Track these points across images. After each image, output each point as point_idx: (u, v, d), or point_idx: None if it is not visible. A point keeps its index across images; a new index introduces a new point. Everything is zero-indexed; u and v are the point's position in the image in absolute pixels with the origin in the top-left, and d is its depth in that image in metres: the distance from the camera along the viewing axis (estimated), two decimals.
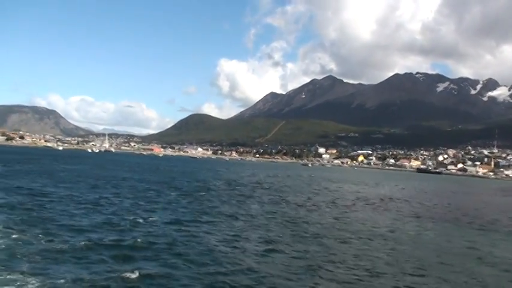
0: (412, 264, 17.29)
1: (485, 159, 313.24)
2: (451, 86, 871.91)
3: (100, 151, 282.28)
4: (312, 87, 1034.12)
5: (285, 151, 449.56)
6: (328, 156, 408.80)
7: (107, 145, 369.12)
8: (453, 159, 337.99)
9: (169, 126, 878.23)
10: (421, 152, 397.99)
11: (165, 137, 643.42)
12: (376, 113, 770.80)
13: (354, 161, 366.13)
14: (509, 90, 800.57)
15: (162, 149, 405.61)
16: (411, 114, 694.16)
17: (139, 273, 13.33)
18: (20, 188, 34.86)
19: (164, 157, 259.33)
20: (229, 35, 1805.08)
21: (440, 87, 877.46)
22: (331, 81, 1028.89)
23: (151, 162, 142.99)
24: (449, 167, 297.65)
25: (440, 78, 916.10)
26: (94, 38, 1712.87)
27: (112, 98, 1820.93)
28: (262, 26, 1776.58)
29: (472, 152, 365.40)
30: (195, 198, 36.52)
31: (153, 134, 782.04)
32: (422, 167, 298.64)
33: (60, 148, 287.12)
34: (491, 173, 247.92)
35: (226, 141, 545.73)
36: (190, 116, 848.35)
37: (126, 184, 46.59)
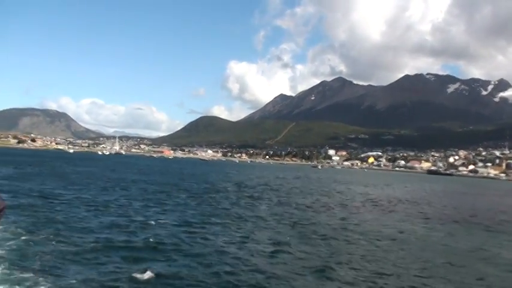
0: (419, 265, 17.28)
1: (497, 161, 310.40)
2: (462, 86, 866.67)
3: (110, 154, 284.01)
4: (321, 88, 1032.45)
5: (294, 153, 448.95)
6: (338, 158, 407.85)
7: (117, 148, 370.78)
8: (464, 161, 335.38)
9: (179, 128, 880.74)
10: (432, 153, 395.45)
11: (175, 140, 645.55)
12: (386, 114, 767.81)
13: (364, 163, 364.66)
14: None
15: (172, 152, 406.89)
16: (422, 116, 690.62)
17: (150, 274, 13.45)
18: (31, 190, 35.22)
19: (174, 159, 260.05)
20: (238, 37, 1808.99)
21: (451, 88, 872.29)
22: (341, 83, 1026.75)
23: (161, 164, 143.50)
24: (460, 168, 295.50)
25: (451, 79, 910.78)
26: (104, 41, 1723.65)
27: (122, 100, 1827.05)
28: (272, 28, 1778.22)
29: (483, 153, 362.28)
30: (204, 200, 36.71)
31: (163, 137, 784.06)
32: (432, 168, 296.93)
33: (71, 151, 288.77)
34: (503, 174, 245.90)
35: (236, 143, 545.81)
36: (200, 118, 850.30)
37: (135, 186, 46.89)
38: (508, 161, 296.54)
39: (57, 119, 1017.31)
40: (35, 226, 19.57)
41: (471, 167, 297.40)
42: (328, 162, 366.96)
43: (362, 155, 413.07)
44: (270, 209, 33.65)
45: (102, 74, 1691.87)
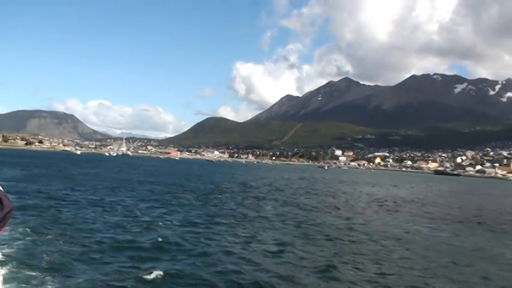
0: (423, 264, 17.27)
1: (505, 161, 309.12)
2: (469, 86, 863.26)
3: (117, 155, 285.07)
4: (328, 89, 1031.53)
5: (301, 153, 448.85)
6: (344, 158, 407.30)
7: (124, 149, 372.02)
8: (471, 161, 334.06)
9: (185, 129, 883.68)
10: (439, 153, 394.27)
11: (181, 141, 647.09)
12: (393, 114, 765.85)
13: (371, 163, 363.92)
14: None
15: (178, 153, 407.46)
16: (429, 116, 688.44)
17: (156, 274, 13.59)
18: (39, 191, 35.49)
19: (181, 160, 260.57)
20: (245, 38, 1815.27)
21: (458, 88, 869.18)
22: (348, 83, 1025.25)
23: (167, 165, 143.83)
24: (467, 168, 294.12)
25: (458, 79, 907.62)
26: (111, 43, 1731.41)
27: (129, 102, 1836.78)
28: (278, 29, 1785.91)
29: (491, 153, 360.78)
30: (209, 200, 36.87)
31: (169, 138, 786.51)
32: (440, 169, 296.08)
33: (78, 152, 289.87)
34: (511, 175, 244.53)
35: (242, 144, 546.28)
36: (207, 119, 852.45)
37: (142, 187, 47.13)
38: None
39: (64, 120, 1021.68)
40: (42, 226, 19.79)
41: (478, 167, 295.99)
42: (335, 163, 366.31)
43: (369, 156, 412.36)
44: (274, 209, 33.78)
45: (108, 75, 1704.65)
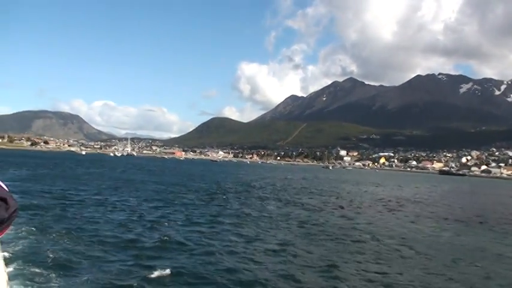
0: (426, 264, 17.27)
1: (510, 161, 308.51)
2: (475, 86, 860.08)
3: (122, 155, 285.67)
4: (333, 89, 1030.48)
5: (305, 154, 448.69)
6: (349, 158, 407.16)
7: (129, 149, 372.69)
8: (477, 161, 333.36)
9: (190, 130, 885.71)
10: (444, 153, 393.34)
11: (186, 141, 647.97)
12: (397, 114, 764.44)
13: (376, 164, 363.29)
14: None
15: (183, 153, 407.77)
16: (434, 116, 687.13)
17: (159, 273, 13.70)
18: (43, 191, 35.74)
19: (185, 161, 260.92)
20: (249, 38, 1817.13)
21: (464, 88, 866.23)
22: (352, 83, 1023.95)
23: (172, 165, 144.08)
24: (472, 168, 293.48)
25: (463, 79, 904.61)
26: (116, 44, 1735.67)
27: (134, 102, 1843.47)
28: (283, 29, 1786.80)
29: (496, 153, 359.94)
30: (212, 200, 37.01)
31: (174, 138, 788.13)
32: (445, 169, 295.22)
33: (83, 152, 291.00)
34: None
35: (247, 144, 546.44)
36: (211, 119, 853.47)
37: (146, 187, 47.28)
38: None
39: (69, 121, 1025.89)
40: (47, 226, 19.97)
41: (484, 167, 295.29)
42: (340, 163, 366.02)
43: (373, 156, 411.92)
44: (277, 208, 33.88)
45: (113, 76, 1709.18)
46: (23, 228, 18.20)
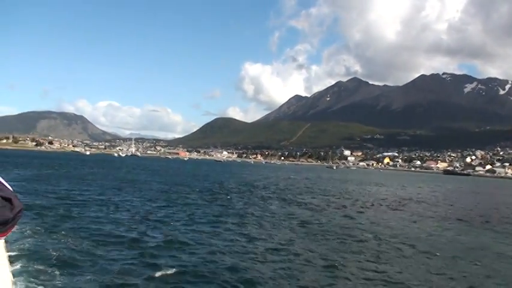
0: (428, 263, 17.32)
1: None
2: (479, 86, 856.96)
3: (126, 155, 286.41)
4: (337, 89, 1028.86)
5: (309, 154, 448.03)
6: (353, 158, 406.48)
7: (133, 149, 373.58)
8: (481, 161, 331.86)
9: (194, 130, 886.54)
10: (449, 153, 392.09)
11: (190, 141, 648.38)
12: (402, 114, 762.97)
13: (380, 164, 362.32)
14: None
15: (187, 153, 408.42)
16: (438, 116, 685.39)
17: (162, 272, 13.84)
18: (48, 191, 35.98)
19: (189, 161, 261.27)
20: (253, 39, 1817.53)
21: (468, 87, 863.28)
22: (356, 83, 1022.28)
23: (176, 166, 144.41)
24: (477, 168, 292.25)
25: (467, 78, 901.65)
26: (120, 44, 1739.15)
27: (138, 102, 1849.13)
28: (286, 29, 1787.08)
29: (501, 153, 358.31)
30: (215, 200, 37.18)
31: (178, 138, 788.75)
32: (449, 168, 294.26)
33: (88, 153, 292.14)
34: None
35: (251, 144, 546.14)
36: (215, 119, 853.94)
37: (149, 187, 47.50)
38: None
39: (74, 121, 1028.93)
40: (51, 225, 20.16)
41: (488, 167, 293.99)
42: (344, 163, 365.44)
43: (378, 156, 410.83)
44: (279, 208, 33.99)
45: (117, 76, 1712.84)
46: (28, 228, 18.39)
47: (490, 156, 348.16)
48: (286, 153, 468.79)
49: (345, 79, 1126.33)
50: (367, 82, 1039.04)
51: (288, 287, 13.48)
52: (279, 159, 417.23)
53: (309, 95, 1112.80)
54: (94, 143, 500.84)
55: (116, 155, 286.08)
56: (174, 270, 14.13)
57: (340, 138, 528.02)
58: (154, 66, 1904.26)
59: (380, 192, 62.13)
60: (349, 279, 14.51)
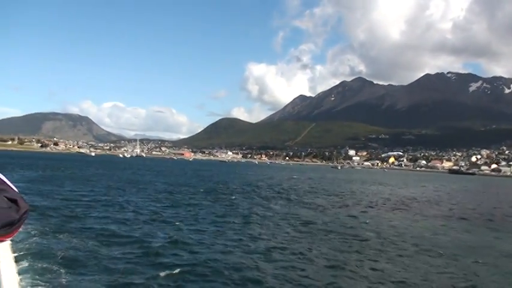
0: (430, 261, 17.40)
1: None
2: (484, 85, 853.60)
3: (131, 156, 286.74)
4: (341, 89, 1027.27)
5: (314, 154, 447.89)
6: (358, 158, 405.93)
7: (138, 150, 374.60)
8: (487, 160, 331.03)
9: (199, 130, 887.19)
10: (454, 152, 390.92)
11: (195, 142, 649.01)
12: (407, 114, 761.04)
13: (385, 163, 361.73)
14: None
15: (192, 154, 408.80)
16: (443, 115, 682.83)
17: (168, 272, 13.97)
18: (53, 192, 36.19)
19: (194, 161, 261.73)
20: (257, 39, 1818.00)
21: (473, 86, 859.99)
22: (361, 83, 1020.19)
23: (180, 166, 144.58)
24: (482, 167, 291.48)
25: (472, 77, 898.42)
26: (125, 45, 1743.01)
27: (143, 103, 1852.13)
28: (291, 29, 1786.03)
29: (507, 152, 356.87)
30: (218, 200, 37.36)
31: (183, 139, 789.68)
32: (454, 168, 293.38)
33: (93, 154, 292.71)
34: None
35: (256, 144, 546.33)
36: (220, 120, 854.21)
37: (154, 188, 47.68)
38: None
39: (79, 122, 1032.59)
40: (56, 225, 20.37)
41: (494, 166, 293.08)
42: (349, 163, 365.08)
43: (383, 155, 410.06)
44: (282, 208, 34.07)
45: (122, 77, 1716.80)
46: (33, 228, 18.58)
47: (496, 155, 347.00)
48: (291, 153, 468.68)
49: (349, 79, 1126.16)
50: (372, 82, 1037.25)
51: (292, 286, 13.51)
52: (284, 159, 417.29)
53: (313, 95, 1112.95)
54: (99, 144, 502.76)
55: (121, 156, 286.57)
56: (178, 269, 14.24)
57: (345, 138, 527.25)
58: (159, 67, 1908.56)
59: (384, 192, 62.08)
60: (352, 278, 14.59)
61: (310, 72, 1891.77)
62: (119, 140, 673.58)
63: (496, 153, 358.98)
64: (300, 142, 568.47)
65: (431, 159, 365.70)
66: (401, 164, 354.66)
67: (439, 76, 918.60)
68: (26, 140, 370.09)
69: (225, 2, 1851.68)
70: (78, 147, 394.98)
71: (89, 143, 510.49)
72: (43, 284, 11.81)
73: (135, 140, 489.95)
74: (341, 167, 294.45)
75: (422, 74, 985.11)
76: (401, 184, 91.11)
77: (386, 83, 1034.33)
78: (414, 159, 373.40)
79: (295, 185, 66.82)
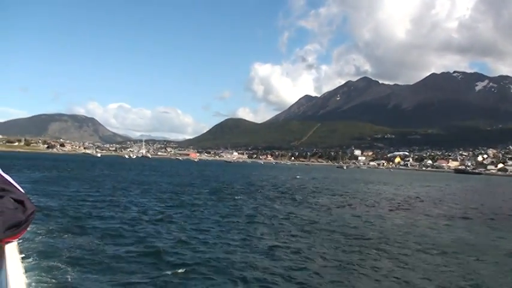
0: (433, 261, 17.50)
1: None
2: (491, 84, 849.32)
3: (137, 157, 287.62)
4: (346, 89, 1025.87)
5: (320, 154, 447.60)
6: (364, 158, 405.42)
7: (143, 151, 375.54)
8: (493, 159, 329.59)
9: (204, 131, 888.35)
10: (460, 152, 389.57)
11: (200, 142, 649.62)
12: (412, 113, 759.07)
13: (391, 163, 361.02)
14: None
15: (198, 154, 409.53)
16: (449, 114, 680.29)
17: (173, 271, 14.13)
18: (59, 192, 36.52)
19: (200, 162, 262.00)
20: (262, 39, 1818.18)
21: (479, 85, 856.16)
22: (367, 83, 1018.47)
23: (186, 167, 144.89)
24: (489, 167, 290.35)
25: (479, 76, 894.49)
26: (130, 47, 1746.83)
27: (148, 104, 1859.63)
28: (296, 29, 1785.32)
29: None
30: (224, 200, 37.51)
31: (189, 139, 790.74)
32: (460, 167, 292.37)
33: (99, 155, 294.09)
34: None
35: (261, 145, 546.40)
36: (226, 120, 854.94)
37: (159, 188, 47.86)
38: None
39: (85, 123, 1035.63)
40: (62, 225, 20.59)
41: (500, 165, 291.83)
42: (354, 163, 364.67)
43: (388, 155, 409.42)
44: (286, 207, 34.19)
45: (128, 78, 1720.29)
46: (39, 228, 18.82)
47: (502, 155, 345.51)
48: (297, 153, 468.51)
49: (354, 79, 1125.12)
50: (377, 81, 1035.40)
51: (295, 285, 13.61)
52: (289, 159, 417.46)
53: (319, 95, 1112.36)
54: (105, 145, 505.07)
55: (126, 156, 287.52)
56: (182, 269, 14.37)
57: (350, 138, 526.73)
58: (164, 68, 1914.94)
59: (388, 192, 62.05)
60: (355, 277, 14.70)
61: (315, 72, 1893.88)
62: (124, 141, 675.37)
63: (503, 152, 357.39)
64: (306, 142, 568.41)
65: (437, 159, 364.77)
66: (407, 164, 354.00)
67: (445, 75, 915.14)
68: (32, 141, 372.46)
69: (230, 3, 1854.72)
70: (84, 148, 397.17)
71: (95, 144, 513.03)
72: (49, 283, 11.99)
73: (141, 141, 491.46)
74: (347, 167, 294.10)
75: (428, 74, 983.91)
76: (406, 184, 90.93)
77: (392, 83, 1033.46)
78: (420, 159, 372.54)
79: (299, 185, 66.91)
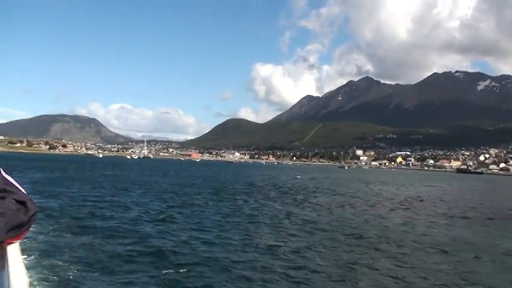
0: (433, 260, 17.60)
1: None
2: (493, 83, 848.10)
3: (139, 158, 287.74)
4: (348, 89, 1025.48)
5: (322, 154, 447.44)
6: (365, 158, 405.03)
7: (145, 152, 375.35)
8: (495, 159, 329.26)
9: (206, 131, 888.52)
10: (462, 152, 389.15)
11: (202, 143, 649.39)
12: (414, 113, 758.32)
13: (393, 163, 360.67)
14: None
15: (199, 155, 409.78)
16: (451, 114, 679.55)
17: (174, 271, 14.19)
18: (61, 193, 36.57)
19: (201, 162, 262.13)
20: (264, 39, 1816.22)
21: (481, 85, 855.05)
22: (368, 83, 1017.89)
23: (187, 167, 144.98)
24: (491, 166, 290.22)
25: (481, 76, 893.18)
26: (131, 48, 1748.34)
27: (150, 105, 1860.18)
28: (297, 29, 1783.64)
29: None
30: (224, 200, 37.59)
31: (190, 140, 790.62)
32: (462, 167, 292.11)
33: (101, 156, 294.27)
34: None
35: (263, 145, 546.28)
36: (227, 121, 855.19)
37: (161, 188, 47.97)
38: None
39: (87, 124, 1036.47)
40: (64, 226, 20.67)
41: (502, 165, 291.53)
42: (356, 163, 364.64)
43: (390, 155, 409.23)
44: (286, 207, 34.29)
45: (130, 79, 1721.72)
46: (41, 228, 18.92)
47: (504, 154, 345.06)
48: (298, 153, 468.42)
49: (356, 78, 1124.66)
50: (379, 81, 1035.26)
51: (295, 284, 13.65)
52: (291, 159, 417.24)
53: (320, 95, 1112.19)
54: (107, 146, 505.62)
55: (128, 157, 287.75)
56: (183, 269, 14.44)
57: (352, 138, 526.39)
58: (166, 69, 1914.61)
59: (389, 191, 62.14)
60: (355, 276, 14.76)
61: (317, 72, 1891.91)
62: (126, 142, 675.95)
63: (505, 152, 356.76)
64: (307, 142, 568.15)
65: (439, 158, 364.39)
66: (409, 164, 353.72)
67: (447, 75, 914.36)
68: (34, 142, 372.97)
69: (231, 3, 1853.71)
70: (86, 148, 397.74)
71: (97, 144, 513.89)
72: (51, 283, 12.11)
73: (143, 142, 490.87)
74: (348, 167, 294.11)
75: (430, 73, 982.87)
76: (407, 184, 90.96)
77: (393, 83, 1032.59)
78: (422, 159, 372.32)
79: (299, 185, 67.00)
